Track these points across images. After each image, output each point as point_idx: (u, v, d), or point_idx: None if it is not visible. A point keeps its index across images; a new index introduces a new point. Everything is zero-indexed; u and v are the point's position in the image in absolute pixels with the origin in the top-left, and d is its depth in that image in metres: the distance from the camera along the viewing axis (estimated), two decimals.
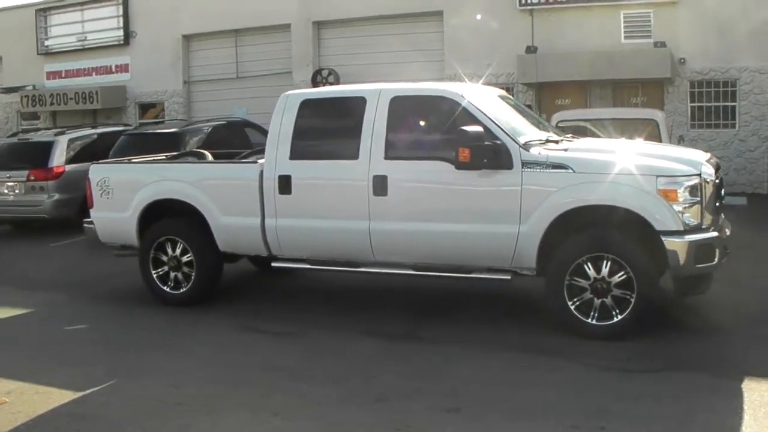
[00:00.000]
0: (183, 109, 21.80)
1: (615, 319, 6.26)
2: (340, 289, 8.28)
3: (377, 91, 6.85)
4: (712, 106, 17.13)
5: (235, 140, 12.73)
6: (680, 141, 12.85)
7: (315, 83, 19.12)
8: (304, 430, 4.75)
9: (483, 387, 5.28)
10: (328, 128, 7.30)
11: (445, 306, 7.43)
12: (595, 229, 6.30)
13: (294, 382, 5.47)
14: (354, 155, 6.89)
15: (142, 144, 11.94)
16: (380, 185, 6.71)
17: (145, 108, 22.88)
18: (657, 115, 11.23)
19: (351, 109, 6.88)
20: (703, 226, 6.14)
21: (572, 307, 6.32)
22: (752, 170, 16.95)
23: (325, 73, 19.54)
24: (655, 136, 10.46)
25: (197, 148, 11.24)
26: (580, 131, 9.94)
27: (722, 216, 6.69)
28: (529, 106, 9.86)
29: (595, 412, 4.78)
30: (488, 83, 12.11)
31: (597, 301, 6.28)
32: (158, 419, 4.92)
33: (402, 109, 6.77)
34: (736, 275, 7.90)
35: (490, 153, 6.30)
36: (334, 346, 6.22)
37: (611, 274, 6.19)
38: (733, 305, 7.19)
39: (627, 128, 10.31)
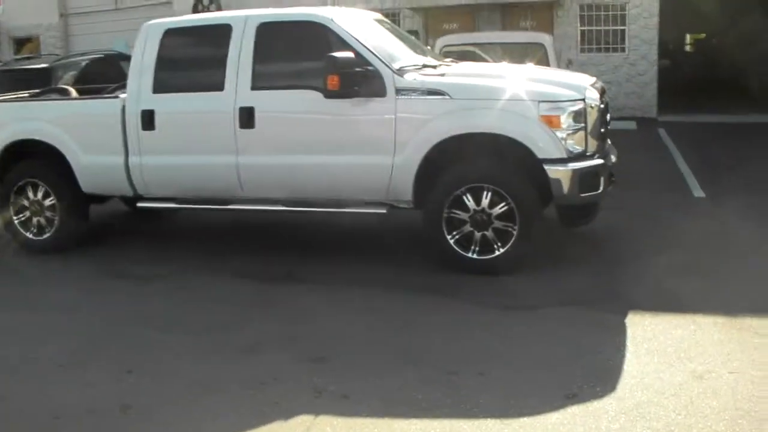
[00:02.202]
0: (61, 44, 20.54)
1: (497, 253, 6.12)
2: (215, 229, 8.06)
3: (243, 18, 6.54)
4: (601, 30, 16.93)
5: (113, 75, 11.79)
6: (569, 65, 12.68)
7: (196, 13, 17.88)
8: (155, 390, 4.35)
9: (360, 332, 5.06)
10: (192, 59, 7.01)
11: (325, 244, 7.23)
12: (475, 159, 6.12)
13: (159, 332, 5.19)
14: (219, 86, 6.58)
15: (11, 81, 11.22)
16: (247, 117, 6.44)
17: (20, 43, 21.57)
18: (545, 39, 11.11)
19: (216, 38, 6.60)
20: (587, 154, 6.01)
21: (451, 241, 6.14)
22: (642, 95, 16.95)
23: (206, 1, 18.60)
24: (543, 61, 10.31)
25: (72, 83, 10.56)
26: (466, 56, 9.69)
27: (608, 142, 6.57)
28: (415, 33, 9.42)
29: (476, 355, 4.59)
30: (374, 9, 11.48)
31: (477, 235, 6.11)
32: (10, 382, 4.57)
33: (269, 36, 6.50)
34: (624, 203, 7.87)
35: (361, 80, 6.04)
36: (207, 290, 5.97)
37: (492, 205, 6.04)
38: (621, 235, 7.16)
39: (515, 53, 10.16)
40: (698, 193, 8.90)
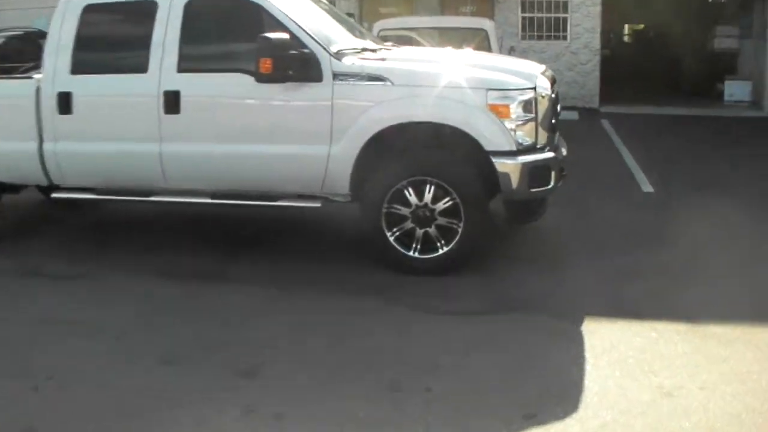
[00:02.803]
0: None
1: (440, 251, 5.88)
2: (140, 223, 7.68)
3: None
4: (543, 17, 16.67)
5: (32, 54, 11.01)
6: (511, 52, 12.50)
7: None
8: (63, 409, 3.93)
9: (296, 340, 4.74)
10: (114, 38, 6.66)
11: (259, 240, 6.93)
12: (417, 150, 5.88)
13: (74, 337, 4.79)
14: (143, 68, 6.20)
15: None
16: (172, 102, 6.08)
17: None
18: (487, 24, 10.95)
19: (141, 16, 6.21)
20: (537, 146, 5.80)
21: (391, 239, 5.89)
22: (584, 84, 16.81)
23: None
24: (484, 47, 10.11)
25: None
26: (404, 41, 9.37)
27: (558, 135, 6.35)
28: (351, 15, 8.91)
29: (421, 367, 4.29)
30: None
31: (419, 231, 5.87)
32: None
33: (198, 14, 6.16)
34: (573, 199, 7.70)
35: (296, 63, 5.76)
36: (128, 291, 5.60)
37: (435, 200, 5.79)
38: (571, 234, 6.99)
39: (455, 38, 9.90)
40: (647, 188, 8.79)
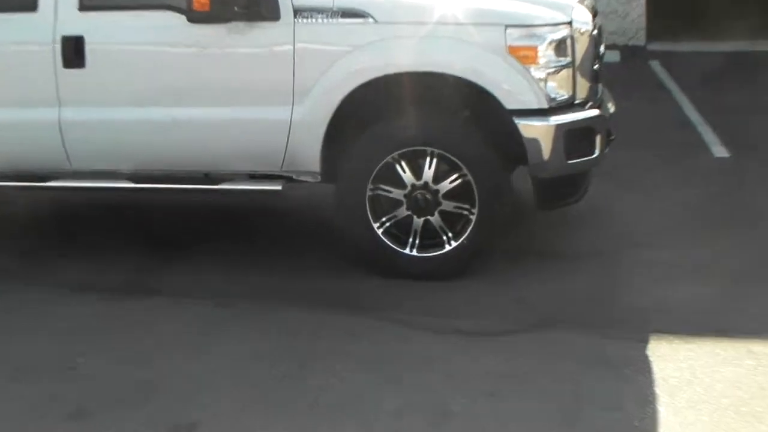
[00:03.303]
0: None
1: (447, 247, 5.72)
2: (42, 218, 7.54)
3: None
4: None
5: None
6: None
7: None
8: None
9: (241, 378, 4.53)
10: None
11: (198, 238, 6.77)
12: (412, 111, 5.68)
13: None
14: (31, 5, 5.91)
15: None
16: (73, 51, 5.80)
17: None
18: None
19: None
20: (576, 101, 5.61)
21: (379, 231, 5.72)
22: (626, 13, 16.40)
23: None
24: None
25: None
26: None
27: (601, 85, 6.17)
28: None
29: (425, 416, 4.07)
30: None
31: (418, 221, 5.68)
32: None
33: None
34: (622, 171, 7.49)
35: None
36: (27, 313, 5.43)
37: (439, 178, 5.62)
38: (622, 218, 6.88)
39: None
40: (720, 152, 8.49)
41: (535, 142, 5.53)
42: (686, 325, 4.95)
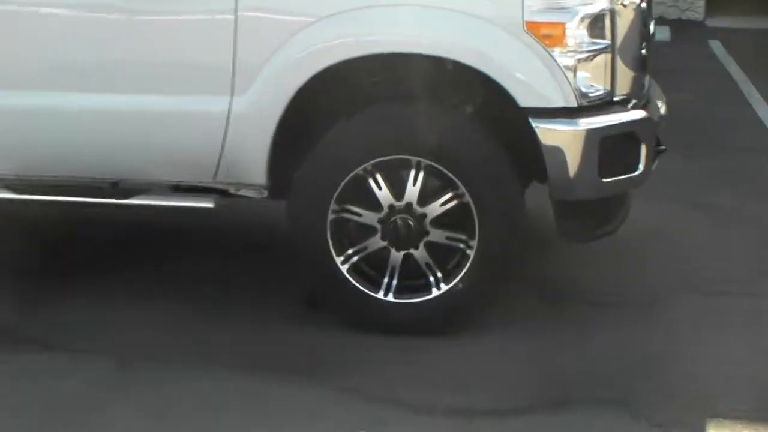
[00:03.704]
0: None
1: (435, 292, 5.48)
2: None
3: None
4: None
5: None
6: None
7: None
8: None
9: None
10: None
11: (93, 266, 6.62)
12: (394, 106, 5.48)
13: None
14: None
15: None
16: None
17: None
18: None
19: None
20: (616, 99, 5.40)
21: (344, 268, 5.51)
22: None
23: None
24: None
25: None
26: None
27: (649, 77, 6.03)
28: None
29: None
30: None
31: (396, 255, 5.45)
32: None
33: None
34: (676, 185, 7.37)
35: None
36: None
37: (427, 197, 5.39)
38: (668, 249, 6.70)
39: None
40: None
41: (558, 152, 5.28)
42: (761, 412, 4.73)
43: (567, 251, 6.67)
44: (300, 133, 5.62)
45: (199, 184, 5.82)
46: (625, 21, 5.49)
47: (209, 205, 5.75)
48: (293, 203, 5.63)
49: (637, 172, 5.52)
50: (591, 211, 5.83)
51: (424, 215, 5.41)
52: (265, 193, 5.72)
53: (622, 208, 6.05)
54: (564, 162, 5.31)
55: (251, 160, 5.60)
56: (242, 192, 5.81)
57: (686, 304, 6.01)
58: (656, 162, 5.76)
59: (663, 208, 7.13)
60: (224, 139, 5.54)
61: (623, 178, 5.50)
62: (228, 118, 5.51)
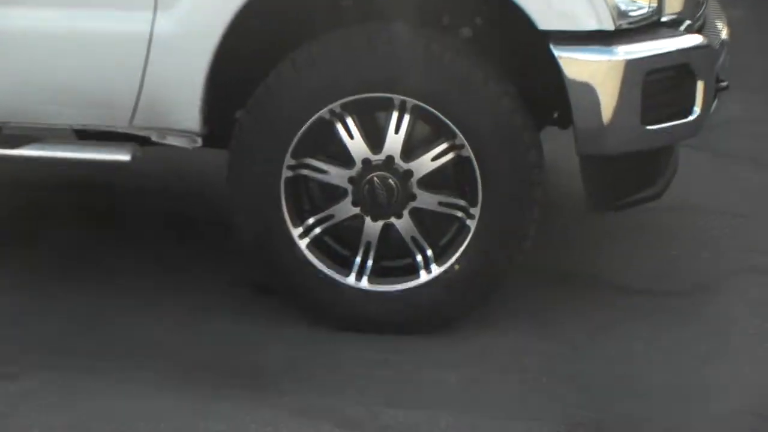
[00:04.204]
0: None
1: (424, 276, 5.38)
2: None
3: None
4: None
5: None
6: None
7: None
8: None
9: None
10: None
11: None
12: (367, 28, 5.42)
13: None
14: None
15: None
16: None
17: None
18: None
19: None
20: (664, 18, 5.32)
21: (302, 243, 5.44)
22: None
23: None
24: None
25: None
26: None
27: None
28: None
29: None
30: None
31: (373, 226, 5.37)
32: None
33: None
34: (727, 140, 7.30)
35: None
36: None
37: (413, 150, 5.33)
38: (719, 220, 6.69)
39: None
40: None
41: (588, 91, 5.11)
42: None
43: (595, 223, 6.58)
44: (246, 63, 5.51)
45: (111, 130, 5.66)
46: None
47: (124, 158, 5.58)
48: (235, 157, 5.50)
49: (691, 117, 5.37)
50: (630, 170, 5.69)
51: (410, 173, 5.28)
52: (199, 142, 5.56)
53: (669, 165, 5.94)
54: (596, 103, 5.15)
55: (180, 98, 5.46)
56: (168, 140, 5.61)
57: (731, 291, 5.96)
58: (716, 102, 5.65)
59: (716, 165, 7.11)
60: (144, 70, 5.38)
61: (673, 125, 5.37)
62: (149, 41, 5.35)
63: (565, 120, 5.50)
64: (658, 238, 6.74)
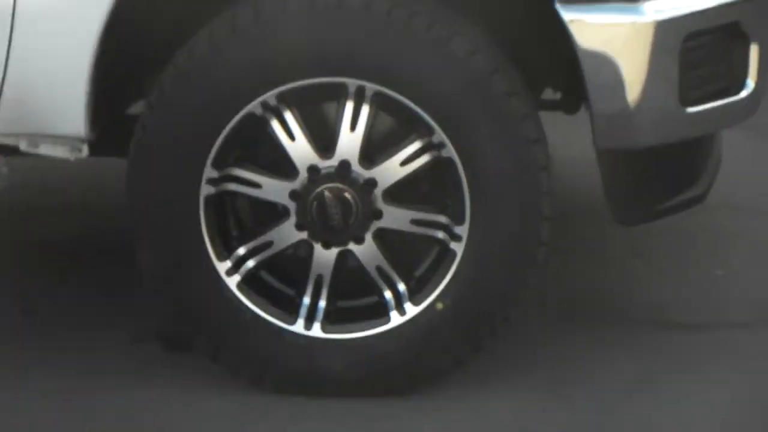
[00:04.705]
0: None
1: (394, 320, 5.26)
2: None
3: None
4: None
5: None
6: None
7: None
8: None
9: None
10: None
11: None
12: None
13: None
14: None
15: None
16: None
17: None
18: None
19: None
20: None
21: (231, 283, 5.30)
22: None
23: None
24: None
25: None
26: None
27: None
28: None
29: None
30: None
31: (324, 256, 5.26)
32: None
33: None
34: None
35: None
36: None
37: (376, 151, 5.20)
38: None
39: None
40: None
41: (606, 63, 4.97)
42: None
43: (619, 238, 6.59)
44: (149, 40, 5.33)
45: None
46: None
47: None
48: (136, 170, 5.24)
49: (743, 93, 5.23)
50: (664, 166, 5.58)
51: (373, 183, 5.08)
52: (84, 151, 5.33)
53: (712, 156, 5.83)
54: (618, 80, 4.99)
55: (57, 91, 5.27)
56: (42, 150, 5.42)
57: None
58: None
59: (764, 151, 7.17)
60: (7, 53, 5.22)
61: (721, 105, 5.21)
62: (12, 12, 5.18)
63: (572, 102, 5.48)
64: (697, 251, 6.70)
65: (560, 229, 5.71)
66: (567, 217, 6.13)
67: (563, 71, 5.26)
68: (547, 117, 5.58)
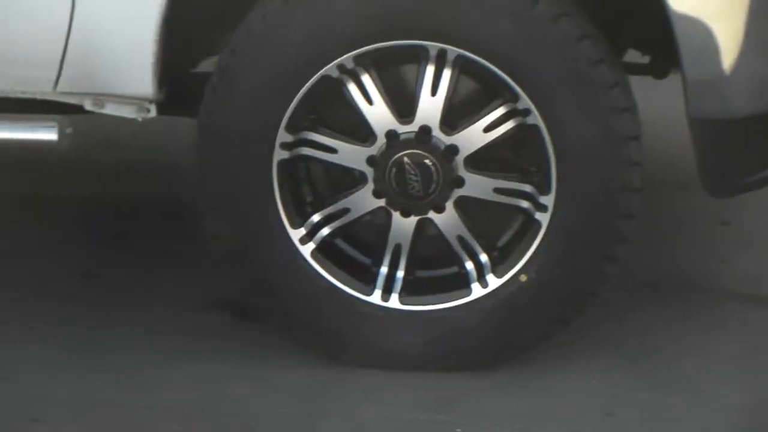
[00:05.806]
0: None
1: (475, 292, 5.14)
2: None
3: None
4: None
5: None
6: None
7: None
8: None
9: None
10: None
11: None
12: None
13: None
14: None
15: None
16: None
17: None
18: None
19: None
20: None
21: (306, 251, 5.23)
22: None
23: None
24: None
25: None
26: None
27: None
28: None
29: None
30: None
31: (403, 224, 5.19)
32: None
33: None
34: None
35: None
36: None
37: (459, 116, 5.07)
38: None
39: None
40: None
41: (700, 28, 4.87)
42: None
43: (711, 212, 6.52)
44: (217, 1, 5.26)
45: (30, 97, 5.37)
46: None
47: (49, 137, 5.31)
48: (206, 133, 5.17)
49: None
50: (758, 137, 5.37)
51: (454, 150, 4.97)
52: (152, 111, 5.26)
53: None
54: (713, 43, 4.88)
55: (124, 48, 5.19)
56: (108, 109, 5.30)
57: None
58: None
59: None
60: (71, 14, 5.11)
61: None
62: None
63: (662, 67, 5.36)
64: None
65: (646, 199, 5.53)
66: (653, 187, 5.93)
67: (654, 34, 5.12)
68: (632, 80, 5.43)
